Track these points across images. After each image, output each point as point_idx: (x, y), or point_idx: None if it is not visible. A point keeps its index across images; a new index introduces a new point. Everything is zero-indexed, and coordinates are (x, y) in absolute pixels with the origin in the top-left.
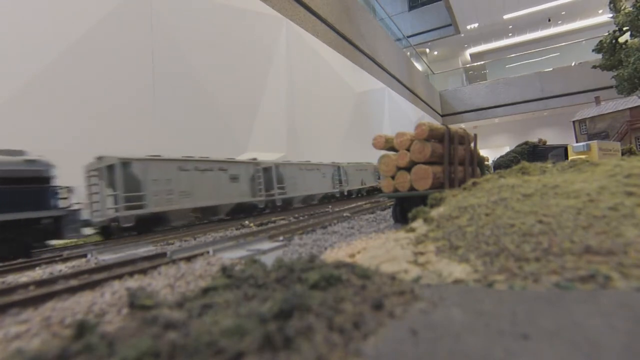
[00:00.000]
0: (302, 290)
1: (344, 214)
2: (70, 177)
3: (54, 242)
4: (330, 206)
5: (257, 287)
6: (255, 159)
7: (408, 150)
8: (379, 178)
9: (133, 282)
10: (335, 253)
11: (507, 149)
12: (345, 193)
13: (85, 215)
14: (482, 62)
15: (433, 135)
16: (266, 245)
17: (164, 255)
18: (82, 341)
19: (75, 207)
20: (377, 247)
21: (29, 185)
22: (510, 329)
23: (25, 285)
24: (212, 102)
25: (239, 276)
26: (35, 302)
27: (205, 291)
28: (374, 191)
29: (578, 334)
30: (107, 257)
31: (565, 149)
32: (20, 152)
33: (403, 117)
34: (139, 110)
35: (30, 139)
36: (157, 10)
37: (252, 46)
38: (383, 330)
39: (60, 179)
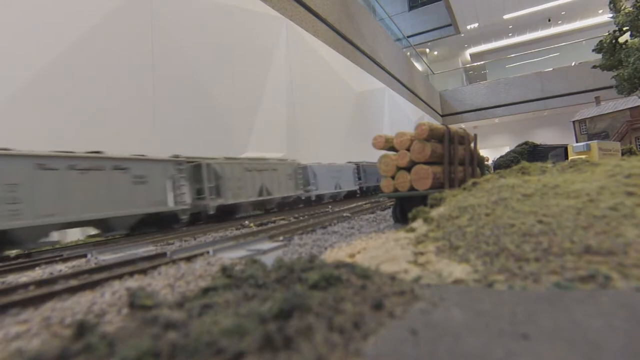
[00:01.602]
0: (302, 290)
1: (344, 214)
2: None
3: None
4: (330, 206)
5: (257, 287)
6: None
7: (408, 150)
8: (307, 184)
9: (133, 282)
10: (335, 253)
11: (507, 149)
12: (212, 212)
13: None
14: (482, 62)
15: (433, 135)
16: (266, 245)
17: (164, 255)
18: (82, 341)
19: None
20: (377, 247)
21: None
22: (510, 329)
23: (25, 285)
24: (212, 101)
25: (239, 276)
26: (35, 302)
27: (205, 291)
28: (295, 204)
29: (578, 334)
30: (107, 257)
31: (565, 149)
32: None
33: (403, 117)
34: (139, 110)
35: (29, 138)
36: (157, 10)
37: (252, 46)
38: (383, 330)
39: None
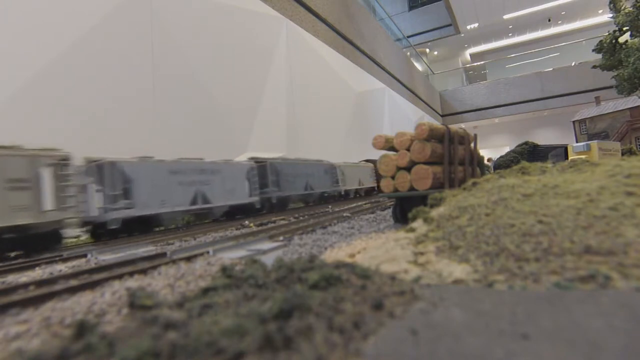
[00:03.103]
0: (302, 290)
1: (344, 214)
2: None
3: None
4: (330, 206)
5: (257, 287)
6: None
7: (408, 150)
8: (112, 199)
9: (133, 282)
10: (335, 253)
11: (507, 149)
12: None
13: None
14: (482, 62)
15: (433, 135)
16: (266, 245)
17: (164, 255)
18: (82, 341)
19: None
20: (377, 247)
21: None
22: (510, 329)
23: (25, 285)
24: (212, 102)
25: (239, 276)
26: (35, 302)
27: (205, 291)
28: (57, 240)
29: (578, 334)
30: (107, 257)
31: (565, 149)
32: None
33: (403, 117)
34: (139, 110)
35: (28, 139)
36: (157, 10)
37: (252, 46)
38: (383, 330)
39: None
